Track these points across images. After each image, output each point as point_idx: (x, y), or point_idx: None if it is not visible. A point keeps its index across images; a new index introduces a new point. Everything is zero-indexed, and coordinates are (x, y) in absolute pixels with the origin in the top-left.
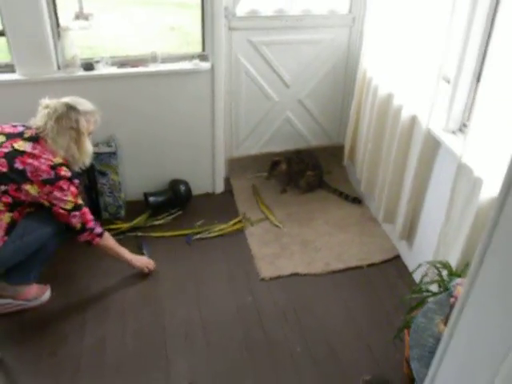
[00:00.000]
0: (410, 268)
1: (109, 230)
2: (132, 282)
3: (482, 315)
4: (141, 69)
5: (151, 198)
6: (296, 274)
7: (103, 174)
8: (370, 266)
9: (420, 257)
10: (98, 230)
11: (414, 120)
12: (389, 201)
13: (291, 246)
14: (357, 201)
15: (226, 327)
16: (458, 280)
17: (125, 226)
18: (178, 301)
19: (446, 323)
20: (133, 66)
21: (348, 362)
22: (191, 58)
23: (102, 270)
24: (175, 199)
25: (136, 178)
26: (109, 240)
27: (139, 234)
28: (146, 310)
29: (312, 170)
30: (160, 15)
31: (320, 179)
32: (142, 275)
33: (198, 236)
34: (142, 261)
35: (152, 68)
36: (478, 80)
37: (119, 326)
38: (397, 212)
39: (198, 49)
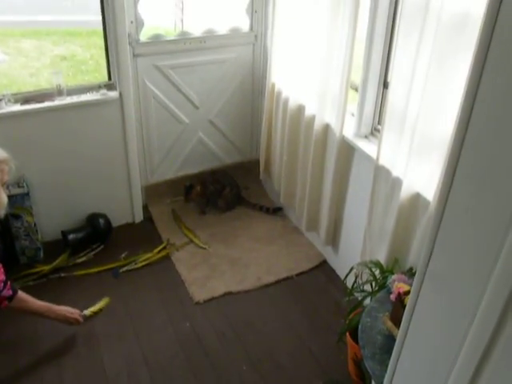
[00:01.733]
0: (338, 271)
1: (29, 275)
2: (63, 325)
3: (434, 308)
4: (47, 104)
5: (70, 236)
6: (229, 293)
7: (17, 216)
8: (299, 274)
9: (347, 259)
10: (7, 292)
11: (327, 128)
12: (310, 209)
13: (220, 265)
14: (277, 210)
15: (169, 358)
16: (394, 276)
17: (46, 268)
18: (115, 338)
19: (391, 318)
20: (38, 102)
21: (296, 372)
22: (98, 88)
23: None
24: (95, 234)
25: (52, 216)
26: (22, 302)
27: (62, 274)
28: (83, 353)
29: (229, 188)
30: (50, 45)
31: (238, 196)
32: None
33: (125, 268)
34: (64, 313)
35: (58, 102)
36: (385, 86)
37: (55, 373)
38: (319, 219)
39: (94, 77)
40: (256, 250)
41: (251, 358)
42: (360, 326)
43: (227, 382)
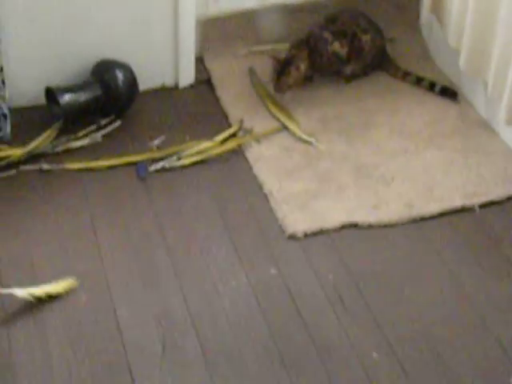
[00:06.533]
0: None
1: None
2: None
3: None
4: None
5: (62, 98)
6: (353, 226)
7: None
8: (485, 205)
9: None
10: None
11: None
12: None
13: (337, 175)
14: (450, 93)
15: (238, 325)
16: None
17: (17, 152)
18: (140, 290)
19: None
20: None
21: (466, 370)
22: None
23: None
24: (107, 98)
25: (32, 60)
26: None
27: (44, 166)
28: (93, 314)
29: (368, 35)
30: None
31: (382, 53)
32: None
33: (160, 165)
34: None
35: None
36: None
37: (63, 337)
38: None
39: None
40: (406, 153)
41: (387, 339)
42: None
43: (341, 377)
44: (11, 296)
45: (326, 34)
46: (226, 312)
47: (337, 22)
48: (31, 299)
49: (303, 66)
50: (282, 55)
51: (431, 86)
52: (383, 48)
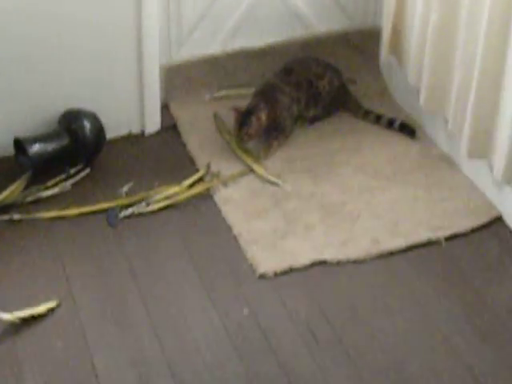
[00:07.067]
0: None
1: None
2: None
3: None
4: None
5: (31, 148)
6: (322, 263)
7: None
8: (450, 238)
9: None
10: None
11: None
12: (477, 117)
13: (305, 214)
14: (408, 130)
15: (213, 366)
16: None
17: None
18: (117, 336)
19: None
20: None
21: None
22: None
23: None
24: (75, 147)
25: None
26: None
27: (15, 216)
28: (69, 358)
29: (327, 78)
30: None
31: (342, 92)
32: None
33: (129, 211)
34: None
35: None
36: None
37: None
38: (495, 137)
39: None
40: (371, 190)
41: (360, 372)
42: None
43: None
44: None
45: (283, 86)
46: (202, 353)
47: (292, 73)
48: (17, 321)
49: (264, 116)
50: (244, 106)
51: (390, 123)
52: (343, 87)
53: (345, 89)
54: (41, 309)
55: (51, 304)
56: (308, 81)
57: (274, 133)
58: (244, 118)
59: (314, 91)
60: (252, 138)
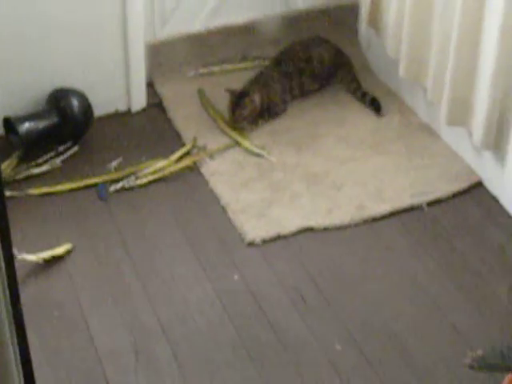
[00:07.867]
0: (504, 200)
1: None
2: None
3: None
4: None
5: (21, 127)
6: (309, 230)
7: None
8: (432, 203)
9: None
10: None
11: None
12: (456, 85)
13: (290, 184)
14: (375, 105)
15: (206, 329)
16: None
17: None
18: (109, 303)
19: None
20: None
21: (425, 356)
22: None
23: None
24: (64, 125)
25: None
26: None
27: (8, 193)
28: (64, 329)
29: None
30: None
31: (338, 59)
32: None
33: (119, 185)
34: None
35: None
36: None
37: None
38: (473, 103)
39: None
40: (354, 159)
41: (349, 331)
42: None
43: (308, 373)
44: None
45: (275, 75)
46: (194, 318)
47: (280, 64)
48: (40, 261)
49: (257, 99)
50: (238, 88)
51: (362, 95)
52: (336, 54)
53: (340, 53)
54: (60, 250)
55: (68, 246)
56: (298, 69)
57: (266, 115)
58: (238, 99)
59: (306, 75)
60: (245, 120)
